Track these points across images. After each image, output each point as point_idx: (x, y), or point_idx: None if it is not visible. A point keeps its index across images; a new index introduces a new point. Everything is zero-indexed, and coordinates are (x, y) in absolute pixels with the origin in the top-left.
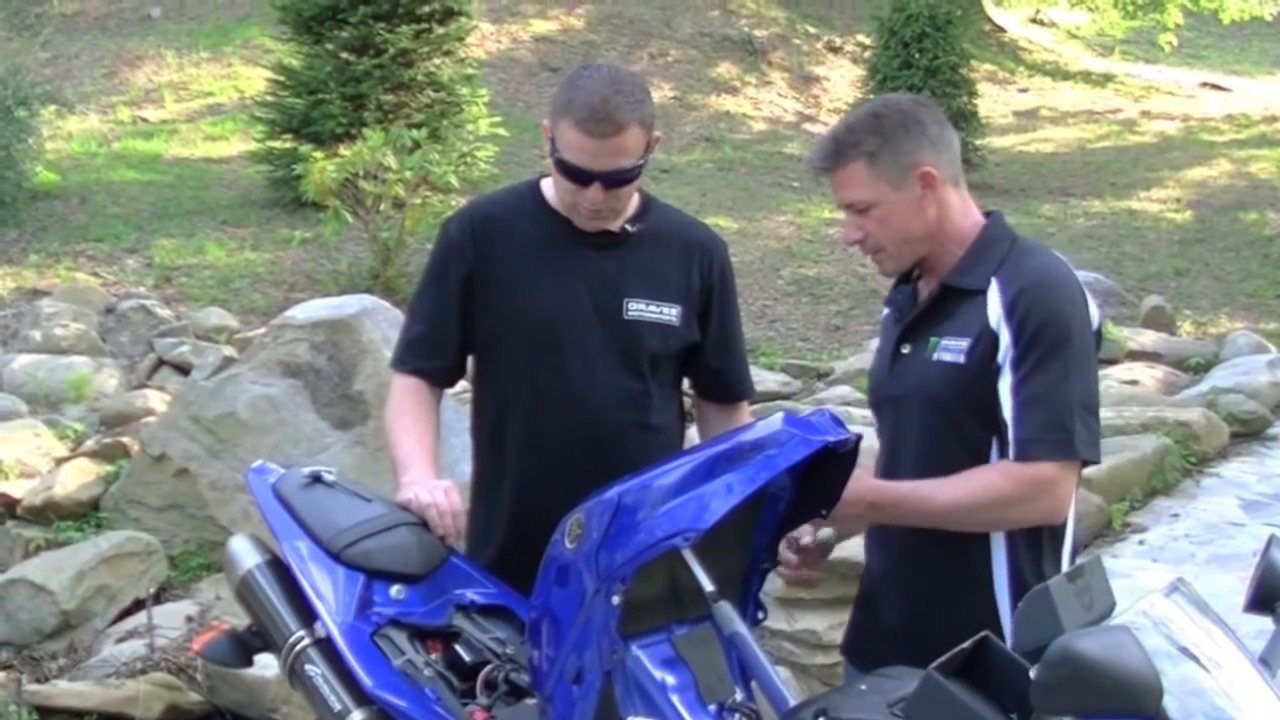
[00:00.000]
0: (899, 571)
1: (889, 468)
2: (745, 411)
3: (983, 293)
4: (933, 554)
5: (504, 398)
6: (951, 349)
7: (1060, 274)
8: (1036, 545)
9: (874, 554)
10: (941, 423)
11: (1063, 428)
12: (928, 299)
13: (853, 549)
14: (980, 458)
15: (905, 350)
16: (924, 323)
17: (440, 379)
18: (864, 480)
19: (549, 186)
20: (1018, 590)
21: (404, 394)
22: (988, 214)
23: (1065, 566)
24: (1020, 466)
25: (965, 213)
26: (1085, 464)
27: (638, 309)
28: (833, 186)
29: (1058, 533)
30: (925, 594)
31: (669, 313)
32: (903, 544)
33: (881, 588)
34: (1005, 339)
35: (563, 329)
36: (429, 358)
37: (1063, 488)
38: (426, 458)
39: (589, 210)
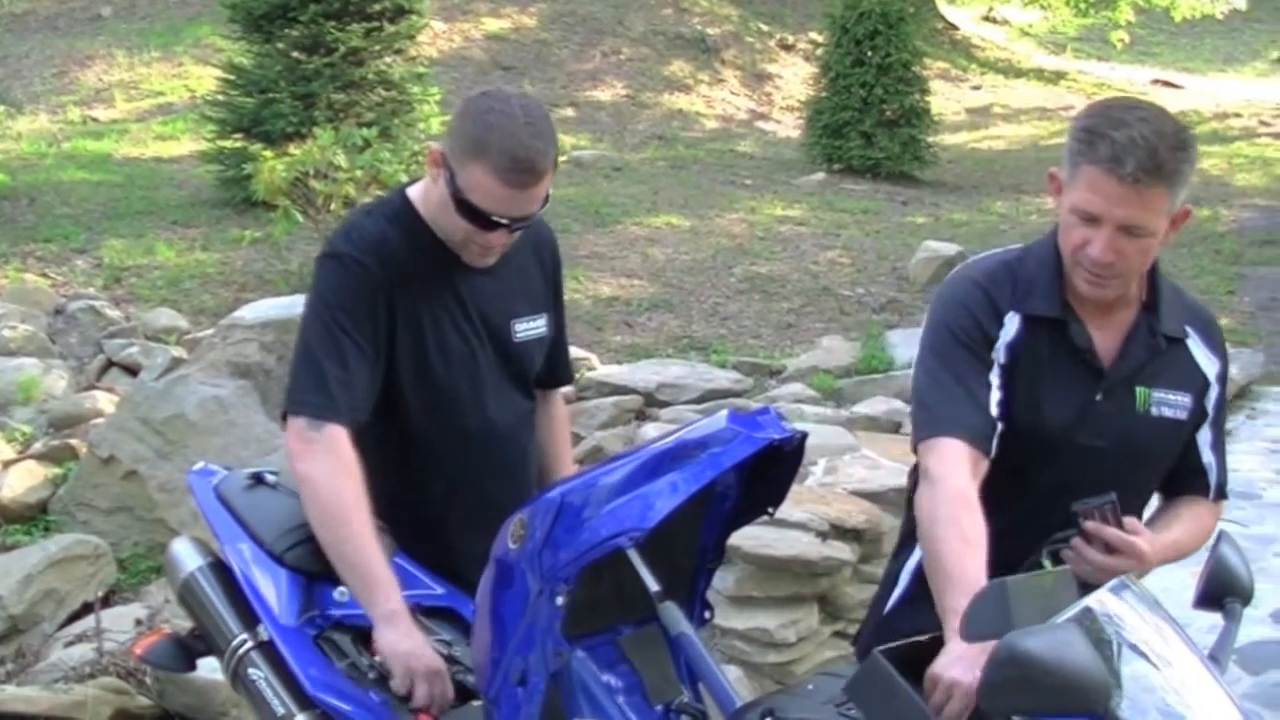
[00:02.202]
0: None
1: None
2: (561, 398)
3: (1182, 342)
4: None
5: (412, 448)
6: (1171, 404)
7: None
8: None
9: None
10: (1145, 475)
11: (1226, 468)
12: (1138, 346)
13: (804, 548)
14: (1145, 505)
15: (1100, 398)
16: (1131, 374)
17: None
18: (1155, 542)
19: (422, 204)
20: None
21: (349, 467)
22: None
23: None
24: (1219, 506)
25: None
26: None
27: (523, 329)
28: (1116, 197)
29: None
30: None
31: (540, 323)
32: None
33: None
34: (1215, 393)
35: (463, 368)
36: (358, 409)
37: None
38: (395, 581)
39: (483, 250)
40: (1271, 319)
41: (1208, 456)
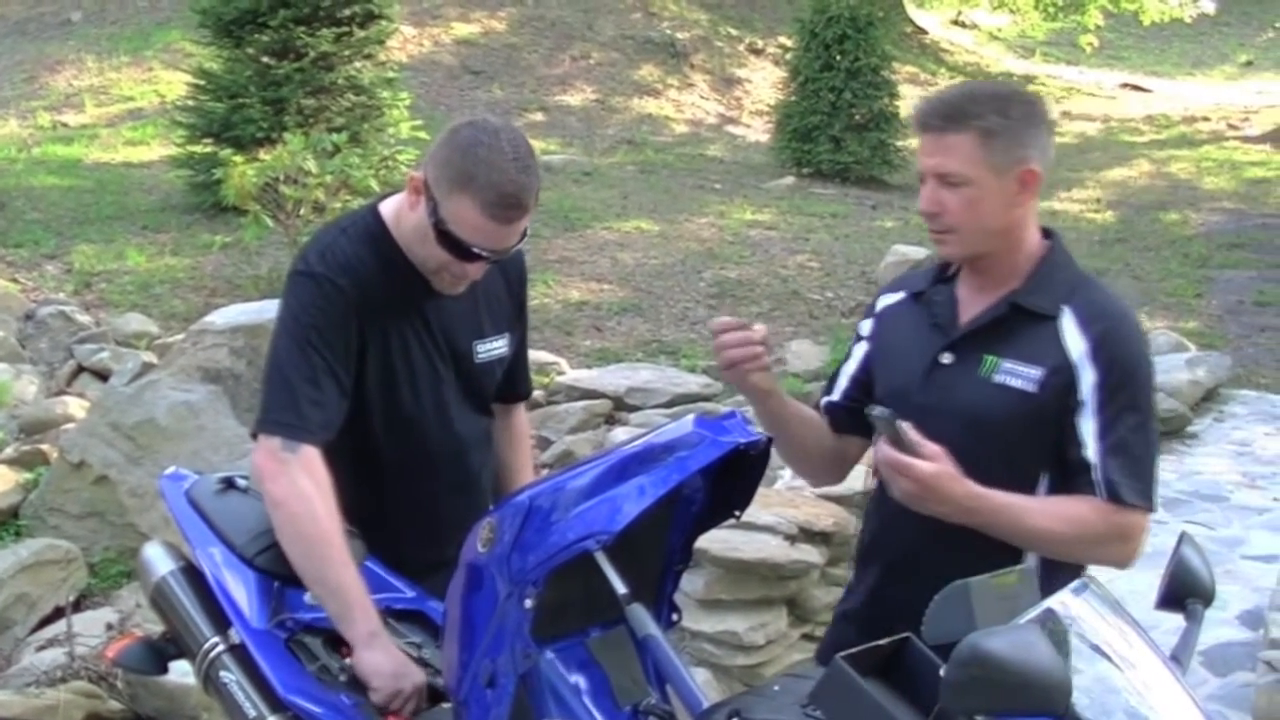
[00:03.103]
0: (912, 596)
1: None
2: (522, 410)
3: (1052, 320)
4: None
5: (374, 464)
6: (1019, 375)
7: (1133, 314)
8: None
9: (879, 572)
10: (989, 446)
11: (1144, 478)
12: (989, 313)
13: (772, 551)
14: (1024, 488)
15: (946, 360)
16: (979, 337)
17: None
18: (965, 484)
19: (395, 224)
20: None
21: (324, 488)
22: (1046, 233)
23: None
24: (1112, 509)
25: (1034, 226)
26: None
27: (485, 350)
28: (926, 149)
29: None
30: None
31: (501, 344)
32: (923, 573)
33: (888, 608)
34: (1090, 378)
35: (428, 389)
36: (329, 427)
37: (1142, 538)
38: (370, 601)
39: (456, 279)
40: (1239, 322)
41: (1090, 448)
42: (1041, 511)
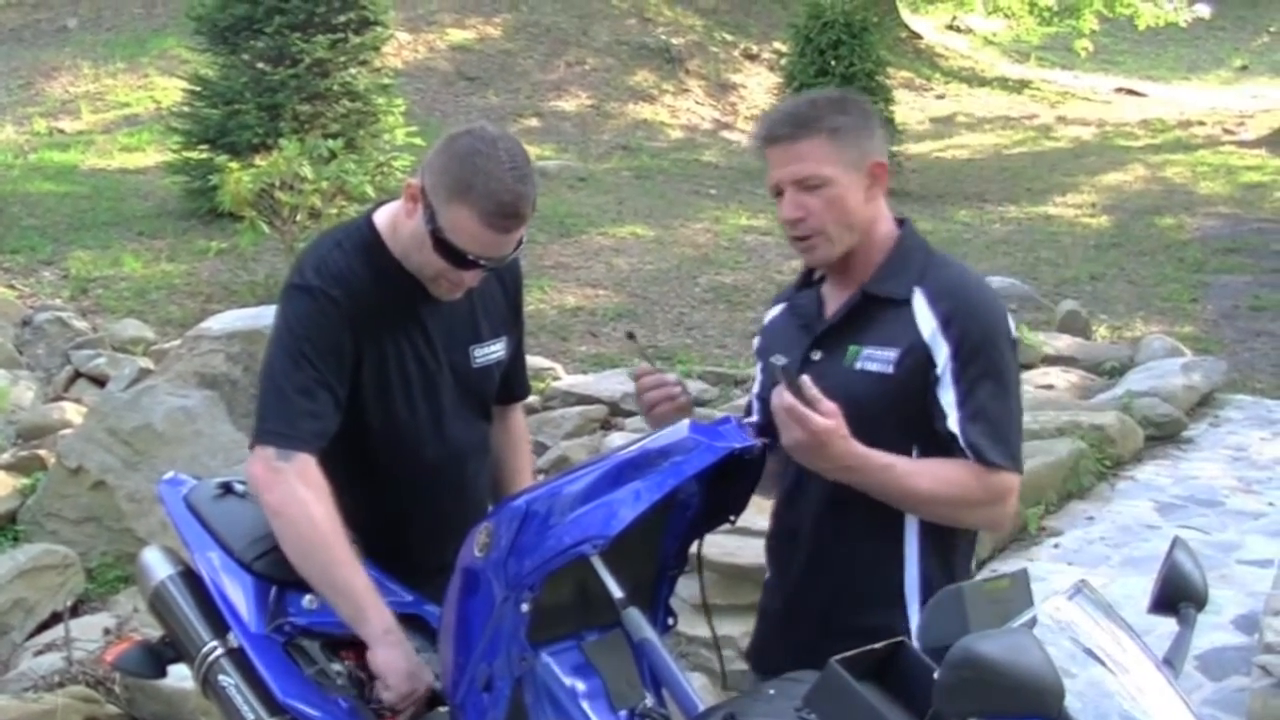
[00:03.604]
0: (798, 581)
1: (798, 467)
2: (520, 412)
3: (906, 303)
4: (843, 559)
5: (371, 471)
6: (877, 359)
7: (985, 287)
8: (948, 551)
9: (781, 560)
10: (860, 429)
11: (1007, 440)
12: (846, 306)
13: (754, 555)
14: None
15: (816, 357)
16: (841, 330)
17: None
18: (851, 443)
19: (389, 233)
20: (928, 598)
21: (321, 493)
22: (900, 222)
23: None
24: (984, 471)
25: (887, 219)
26: None
27: (481, 354)
28: (779, 160)
29: (971, 543)
30: (833, 598)
31: (498, 347)
32: (813, 550)
33: (790, 593)
34: (944, 352)
35: (424, 397)
36: (323, 436)
37: (1014, 499)
38: (382, 600)
39: (454, 286)
40: (1234, 327)
41: (952, 418)
42: (921, 473)
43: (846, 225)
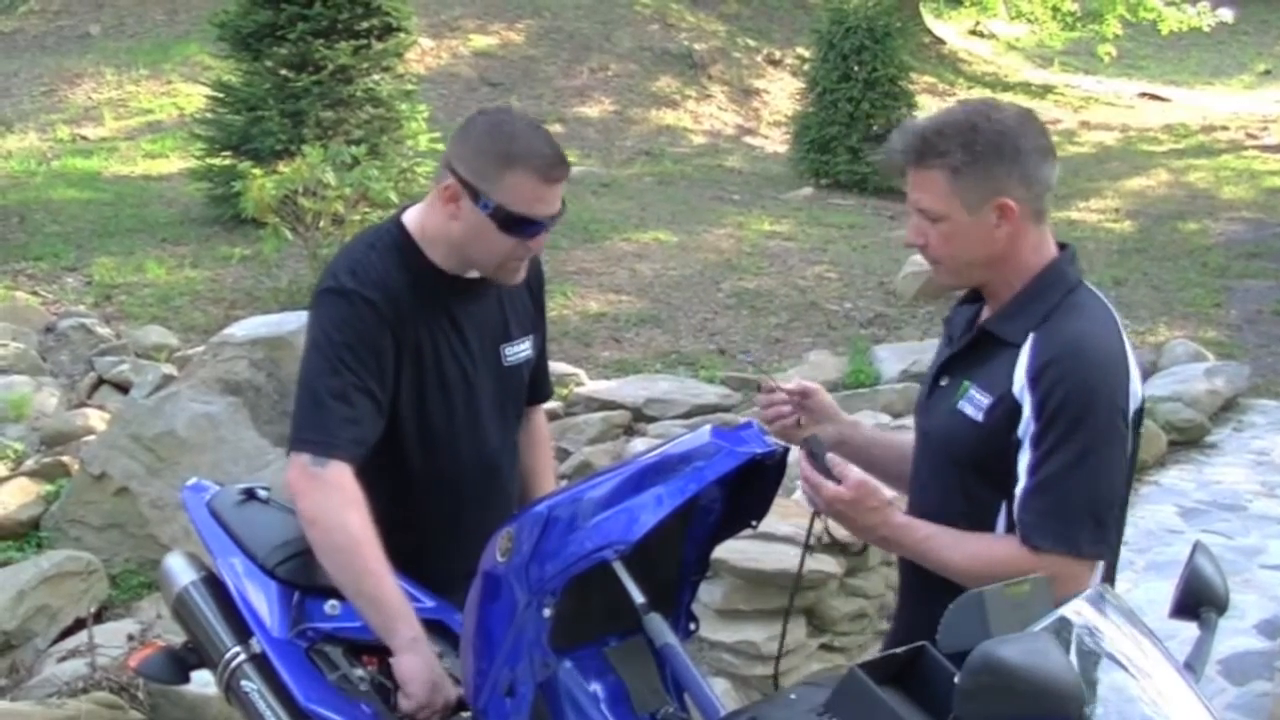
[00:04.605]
0: (906, 597)
1: (911, 493)
2: (542, 414)
3: (1016, 347)
4: (932, 592)
5: (407, 474)
6: (975, 403)
7: (1100, 344)
8: None
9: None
10: (951, 474)
11: (1069, 521)
12: (967, 338)
13: (790, 561)
14: (984, 519)
15: (943, 384)
16: (962, 361)
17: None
18: (886, 513)
19: (419, 233)
20: None
21: (355, 501)
22: (1062, 247)
23: None
24: (1026, 553)
25: (1037, 248)
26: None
27: (512, 353)
28: (909, 182)
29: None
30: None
31: (526, 345)
32: (910, 576)
33: (896, 610)
34: (1026, 410)
35: (461, 397)
36: (363, 443)
37: (1067, 583)
38: (411, 609)
39: (520, 264)
40: (1257, 332)
41: (1020, 484)
42: (957, 547)
43: (963, 262)
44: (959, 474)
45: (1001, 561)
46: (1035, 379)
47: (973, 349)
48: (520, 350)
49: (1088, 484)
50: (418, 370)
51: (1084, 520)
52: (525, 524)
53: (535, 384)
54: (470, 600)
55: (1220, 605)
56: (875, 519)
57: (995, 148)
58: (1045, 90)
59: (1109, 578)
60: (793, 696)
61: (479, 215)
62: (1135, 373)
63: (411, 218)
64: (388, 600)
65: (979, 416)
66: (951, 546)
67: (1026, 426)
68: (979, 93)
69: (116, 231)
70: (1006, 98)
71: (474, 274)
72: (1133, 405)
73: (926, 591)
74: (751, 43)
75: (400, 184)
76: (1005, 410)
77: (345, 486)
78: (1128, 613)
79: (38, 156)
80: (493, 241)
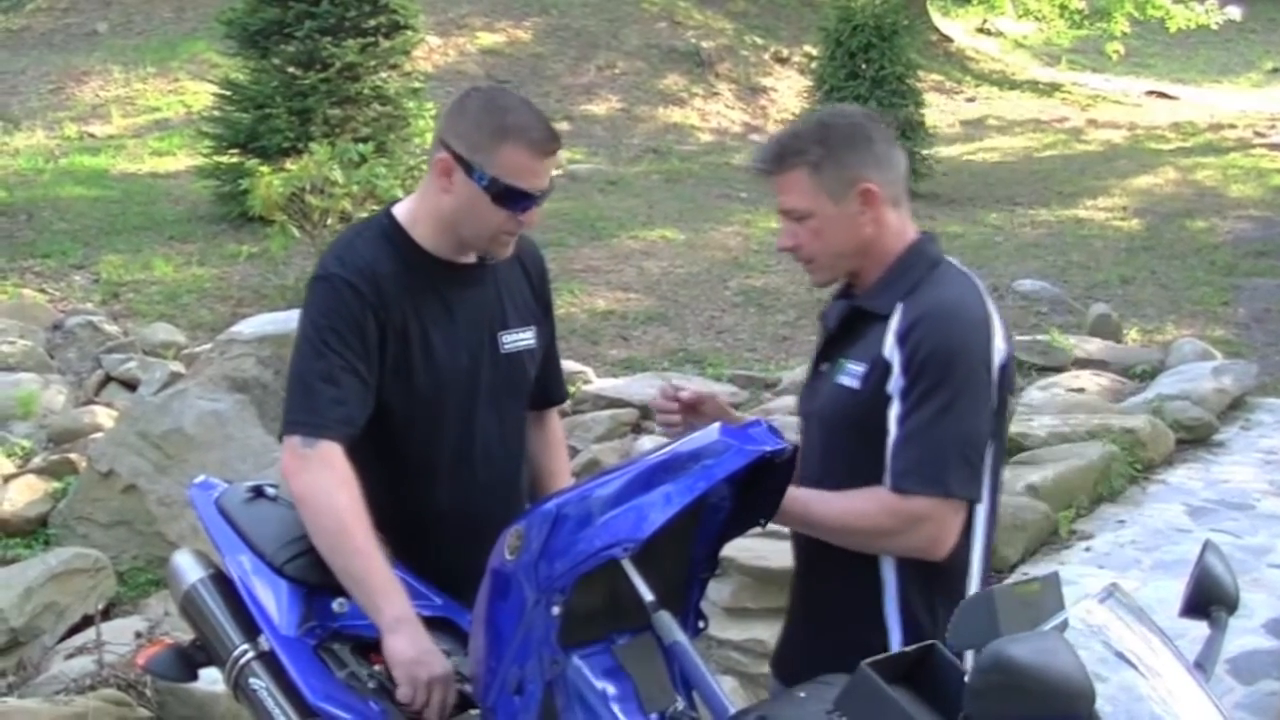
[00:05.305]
0: (800, 589)
1: (801, 481)
2: (557, 416)
3: (885, 318)
4: (826, 577)
5: (401, 463)
6: (850, 374)
7: (962, 304)
8: (928, 576)
9: (796, 570)
10: (835, 447)
11: (938, 464)
12: (840, 319)
13: (785, 559)
14: (871, 484)
15: (823, 369)
16: (837, 343)
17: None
18: None
19: (409, 220)
20: (906, 621)
21: (345, 479)
22: (922, 235)
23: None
24: (894, 498)
25: (899, 234)
26: (971, 502)
27: (511, 340)
28: (773, 190)
29: (953, 567)
30: (822, 613)
31: (528, 335)
32: (806, 562)
33: (793, 604)
34: (895, 368)
35: (452, 381)
36: (351, 423)
37: (938, 525)
38: (400, 588)
39: (511, 238)
40: (1265, 330)
41: (890, 436)
42: (828, 504)
43: (836, 253)
44: (844, 444)
45: (868, 512)
46: (903, 338)
47: (846, 330)
48: (519, 339)
49: (954, 428)
50: (404, 352)
51: (953, 462)
52: (534, 521)
53: (548, 386)
54: (479, 597)
55: (1231, 604)
56: None
57: (848, 139)
58: (1053, 88)
59: (990, 527)
60: (802, 695)
61: (473, 188)
62: (999, 330)
63: (400, 207)
64: (373, 579)
65: (855, 384)
66: (818, 502)
67: (896, 382)
68: (987, 91)
69: (124, 229)
70: (1014, 95)
71: (465, 259)
72: (996, 359)
73: (809, 564)
74: (759, 40)
75: (407, 181)
76: (878, 373)
77: (335, 465)
78: (1137, 611)
79: (45, 154)
80: (485, 214)
